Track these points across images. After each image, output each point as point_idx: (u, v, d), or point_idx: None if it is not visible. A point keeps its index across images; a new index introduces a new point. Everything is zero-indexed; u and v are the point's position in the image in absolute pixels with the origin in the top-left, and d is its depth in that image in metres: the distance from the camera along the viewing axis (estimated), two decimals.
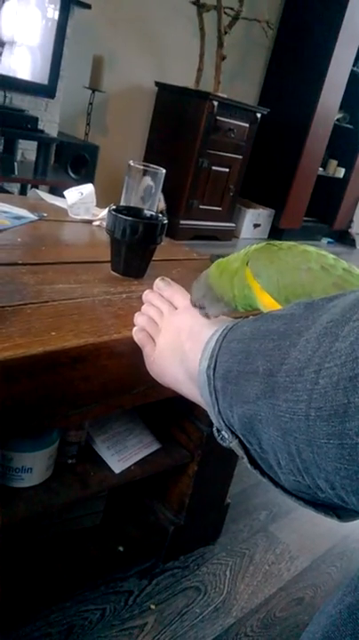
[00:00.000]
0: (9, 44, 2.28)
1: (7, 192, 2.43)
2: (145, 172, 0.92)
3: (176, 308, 0.65)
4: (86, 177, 2.64)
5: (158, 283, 0.68)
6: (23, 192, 2.54)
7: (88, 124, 2.96)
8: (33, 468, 0.77)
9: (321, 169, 4.25)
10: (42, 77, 2.41)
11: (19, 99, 2.54)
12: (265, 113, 3.48)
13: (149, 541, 1.01)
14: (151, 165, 0.93)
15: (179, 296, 0.65)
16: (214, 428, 0.49)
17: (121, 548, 0.96)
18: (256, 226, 4.06)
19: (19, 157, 2.57)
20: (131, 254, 0.85)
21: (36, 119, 2.44)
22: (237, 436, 0.45)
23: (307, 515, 1.15)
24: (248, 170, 3.63)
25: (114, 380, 0.69)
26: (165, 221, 0.86)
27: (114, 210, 0.84)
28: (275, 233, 4.15)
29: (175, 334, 0.60)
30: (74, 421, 0.79)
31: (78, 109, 2.96)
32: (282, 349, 0.38)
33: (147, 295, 0.69)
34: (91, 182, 1.23)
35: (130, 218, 0.82)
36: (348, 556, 1.19)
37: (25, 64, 2.37)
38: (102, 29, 2.94)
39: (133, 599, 0.94)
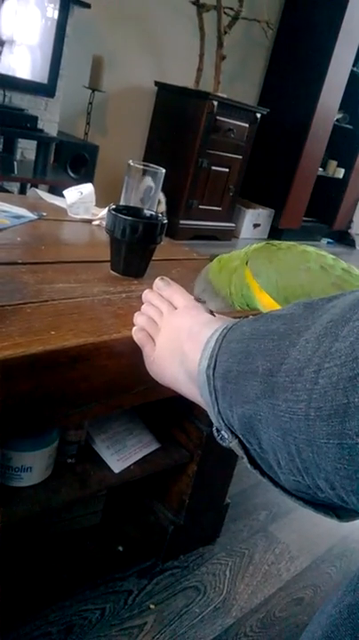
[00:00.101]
0: (8, 43, 2.28)
1: (7, 191, 2.42)
2: (144, 172, 0.92)
3: (176, 308, 0.65)
4: (86, 176, 2.64)
5: (158, 282, 0.68)
6: (22, 191, 2.54)
7: (88, 124, 2.96)
8: (32, 467, 0.77)
9: (320, 169, 4.25)
10: (41, 77, 2.41)
11: (18, 98, 2.54)
12: (265, 113, 3.48)
13: (149, 541, 1.01)
14: (151, 165, 0.92)
15: (179, 296, 0.65)
16: (214, 428, 0.49)
17: (120, 548, 0.96)
18: (256, 226, 4.06)
19: (18, 157, 2.57)
20: (131, 254, 0.85)
21: (36, 118, 2.43)
22: (237, 436, 0.45)
23: (307, 515, 1.15)
24: (248, 170, 3.63)
25: (113, 380, 0.68)
26: (165, 221, 0.86)
27: (113, 209, 0.84)
28: (275, 233, 4.15)
29: (175, 334, 0.60)
30: (73, 421, 0.79)
31: (78, 109, 2.96)
32: (281, 349, 0.38)
33: (147, 295, 0.69)
34: (91, 182, 1.23)
35: (129, 217, 0.82)
36: (348, 556, 1.19)
37: (24, 63, 2.37)
38: (102, 29, 2.94)
39: (133, 599, 0.94)
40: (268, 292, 0.53)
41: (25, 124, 2.39)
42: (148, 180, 0.92)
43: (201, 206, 3.44)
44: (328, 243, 4.80)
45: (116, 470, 0.86)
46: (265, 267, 0.53)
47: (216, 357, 0.47)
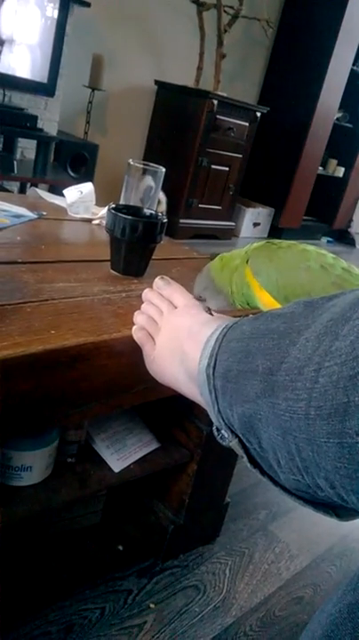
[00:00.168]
0: (8, 43, 2.28)
1: (6, 190, 2.42)
2: (144, 171, 0.92)
3: (176, 307, 0.65)
4: (86, 176, 2.64)
5: (158, 281, 0.68)
6: (22, 191, 2.54)
7: (87, 123, 2.96)
8: (32, 466, 0.77)
9: (320, 168, 4.25)
10: (41, 76, 2.41)
11: (18, 97, 2.54)
12: (264, 112, 3.48)
13: (149, 540, 1.01)
14: (151, 164, 0.92)
15: (179, 295, 0.65)
16: (214, 428, 0.49)
17: (120, 547, 0.96)
18: (256, 225, 4.06)
19: (18, 156, 2.57)
20: (131, 253, 0.85)
21: (36, 118, 2.43)
22: (237, 435, 0.45)
23: (307, 514, 1.15)
24: (248, 169, 3.63)
25: (113, 379, 0.68)
26: (165, 220, 0.86)
27: (113, 208, 0.84)
28: (275, 232, 4.15)
29: (174, 333, 0.60)
30: (73, 420, 0.79)
31: (78, 108, 2.96)
32: (281, 348, 0.38)
33: (147, 294, 0.69)
34: (91, 181, 1.23)
35: (129, 217, 0.82)
36: (348, 556, 1.19)
37: (24, 62, 2.37)
38: (102, 28, 2.94)
39: (133, 598, 0.95)
40: (268, 291, 0.53)
41: (25, 124, 2.39)
42: (149, 180, 0.92)
43: (201, 205, 3.43)
44: (328, 242, 4.80)
45: (116, 470, 0.86)
46: (265, 265, 0.53)
47: (216, 356, 0.47)
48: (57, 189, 2.03)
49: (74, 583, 0.93)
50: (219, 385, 0.46)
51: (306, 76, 3.78)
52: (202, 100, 3.13)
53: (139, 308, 0.68)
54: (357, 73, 4.02)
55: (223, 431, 0.47)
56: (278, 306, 0.52)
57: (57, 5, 2.30)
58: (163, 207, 1.02)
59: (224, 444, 0.47)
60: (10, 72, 2.32)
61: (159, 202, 0.99)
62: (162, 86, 3.32)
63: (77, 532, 0.96)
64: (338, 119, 4.16)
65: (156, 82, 3.31)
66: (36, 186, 2.24)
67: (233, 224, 3.80)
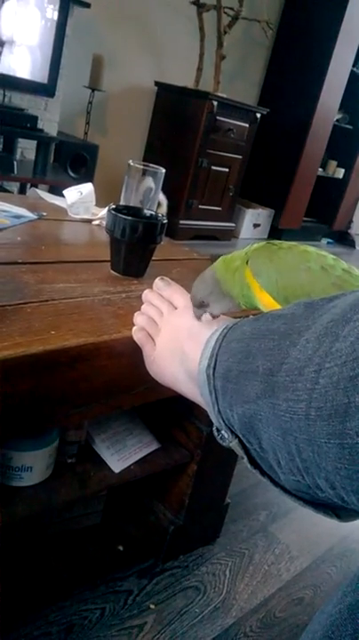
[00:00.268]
0: (8, 44, 2.28)
1: (6, 191, 2.42)
2: (144, 172, 0.92)
3: (176, 308, 0.65)
4: (86, 176, 2.64)
5: (158, 282, 0.68)
6: (22, 191, 2.54)
7: (87, 124, 2.96)
8: (33, 467, 0.77)
9: (320, 169, 4.25)
10: (41, 76, 2.41)
11: (18, 98, 2.54)
12: (264, 113, 3.48)
13: (149, 541, 1.01)
14: (151, 165, 0.92)
15: (179, 296, 0.65)
16: (214, 428, 0.49)
17: (120, 548, 0.96)
18: (256, 226, 4.06)
19: (18, 156, 2.57)
20: (131, 254, 0.85)
21: (36, 118, 2.43)
22: (237, 436, 0.45)
23: (307, 515, 1.15)
24: (248, 170, 3.63)
25: (113, 380, 0.68)
26: (165, 221, 0.86)
27: (113, 209, 0.84)
28: (275, 233, 4.15)
29: (175, 334, 0.60)
30: (73, 421, 0.79)
31: (78, 109, 2.96)
32: (282, 349, 0.38)
33: (147, 295, 0.69)
34: (91, 181, 1.23)
35: (129, 217, 0.82)
36: (348, 556, 1.19)
37: (24, 63, 2.37)
38: (102, 29, 2.94)
39: (133, 599, 0.94)
40: (269, 292, 0.53)
41: (25, 124, 2.39)
42: (149, 181, 0.92)
43: (201, 206, 3.43)
44: (328, 243, 4.80)
45: (116, 470, 0.86)
46: (265, 266, 0.53)
47: (216, 357, 0.47)
48: (57, 190, 2.02)
49: (74, 583, 0.93)
50: (219, 385, 0.46)
51: (306, 78, 3.78)
52: (202, 101, 3.13)
53: (140, 309, 0.68)
54: (357, 74, 4.02)
55: (223, 432, 0.47)
56: (278, 307, 0.52)
57: (57, 6, 2.30)
58: (164, 209, 1.02)
59: (224, 444, 0.47)
60: (10, 72, 2.33)
61: (160, 204, 0.99)
62: (162, 87, 3.33)
63: (77, 533, 0.96)
64: (338, 120, 4.16)
65: (156, 83, 3.31)
66: (36, 186, 2.24)
67: (233, 225, 3.80)
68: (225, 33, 3.21)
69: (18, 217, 1.04)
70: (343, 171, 4.50)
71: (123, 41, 3.07)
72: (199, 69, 3.25)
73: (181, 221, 3.36)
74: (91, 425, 0.90)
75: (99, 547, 0.96)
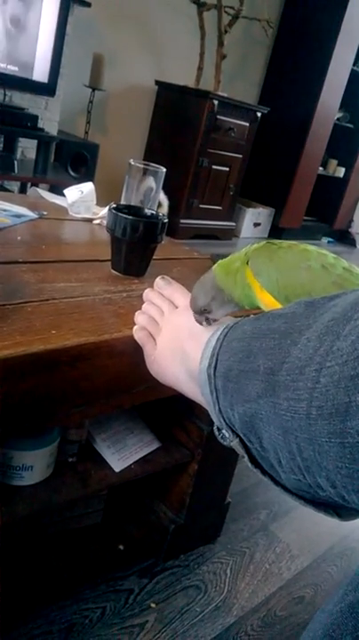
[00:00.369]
0: (9, 43, 2.28)
1: (7, 190, 2.42)
2: (145, 171, 0.92)
3: (176, 307, 0.65)
4: (86, 175, 2.64)
5: (158, 281, 0.68)
6: (23, 190, 2.54)
7: (88, 123, 2.96)
8: (33, 466, 0.77)
9: (321, 168, 4.25)
10: (42, 76, 2.41)
11: (19, 97, 2.54)
12: (265, 112, 3.48)
13: (150, 540, 1.01)
14: (151, 164, 0.92)
15: (180, 295, 0.65)
16: (215, 427, 0.49)
17: (121, 547, 0.96)
18: (256, 225, 4.06)
19: (18, 156, 2.57)
20: (132, 253, 0.85)
21: (36, 117, 2.43)
22: (238, 435, 0.45)
23: (308, 514, 1.15)
24: (248, 169, 3.63)
25: (114, 379, 0.69)
26: (166, 220, 0.86)
27: (114, 208, 0.84)
28: (276, 232, 4.15)
29: (176, 333, 0.60)
30: (74, 420, 0.79)
31: (78, 108, 2.96)
32: (283, 348, 0.38)
33: (148, 294, 0.69)
34: (91, 181, 1.23)
35: (130, 216, 0.82)
36: (349, 555, 1.19)
37: (25, 62, 2.37)
38: (102, 28, 2.94)
39: (134, 598, 0.95)
40: (269, 291, 0.53)
41: (25, 123, 2.39)
42: (150, 181, 0.92)
43: (201, 205, 3.43)
44: (328, 242, 4.79)
45: (117, 469, 0.86)
46: (265, 266, 0.53)
47: (217, 356, 0.47)
48: (57, 189, 2.03)
49: (75, 583, 0.93)
50: (219, 385, 0.46)
51: (306, 76, 3.77)
52: (202, 100, 3.13)
53: (140, 308, 0.68)
54: (358, 73, 4.02)
55: (224, 431, 0.47)
56: (279, 306, 0.52)
57: (57, 5, 2.30)
58: (165, 209, 1.02)
59: (225, 443, 0.47)
60: (10, 72, 2.32)
61: (160, 204, 0.99)
62: (162, 86, 3.32)
63: (78, 532, 0.96)
64: (338, 119, 4.16)
65: (157, 82, 3.31)
66: (37, 185, 2.24)
67: (233, 224, 3.80)
68: (225, 32, 3.20)
69: (18, 216, 1.04)
70: (343, 170, 4.50)
71: (124, 40, 3.07)
72: (199, 68, 3.24)
73: (182, 220, 3.36)
74: (91, 424, 0.90)
75: (99, 546, 0.96)
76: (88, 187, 1.17)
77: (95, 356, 0.64)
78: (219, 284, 0.57)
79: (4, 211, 1.05)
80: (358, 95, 4.14)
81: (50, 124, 2.70)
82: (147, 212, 0.88)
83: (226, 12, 3.15)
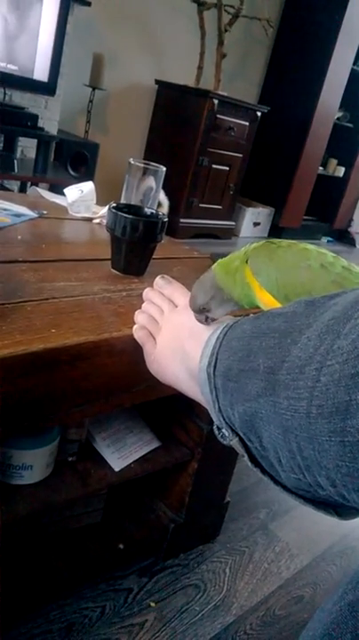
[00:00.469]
0: (9, 42, 2.27)
1: (7, 189, 2.42)
2: (145, 170, 0.92)
3: (176, 306, 0.65)
4: (86, 175, 2.64)
5: (158, 281, 0.68)
6: (23, 190, 2.54)
7: (88, 122, 2.95)
8: (33, 465, 0.77)
9: (321, 168, 4.24)
10: (42, 75, 2.40)
11: (19, 96, 2.54)
12: (265, 111, 3.48)
13: (149, 539, 1.01)
14: (151, 163, 0.92)
15: (180, 294, 0.65)
16: (214, 426, 0.49)
17: (121, 546, 0.96)
18: (256, 224, 4.06)
19: (18, 155, 2.57)
20: (132, 252, 0.85)
21: (36, 117, 2.43)
22: (238, 434, 0.45)
23: (307, 513, 1.15)
24: (248, 168, 3.63)
25: (114, 378, 0.69)
26: (166, 219, 0.86)
27: (114, 207, 0.84)
28: (275, 231, 4.15)
29: (176, 332, 0.60)
30: (74, 419, 0.79)
31: (78, 107, 2.96)
32: (283, 347, 0.38)
33: (148, 293, 0.69)
34: (91, 180, 1.23)
35: (130, 216, 0.82)
36: (348, 554, 1.19)
37: (25, 62, 2.36)
38: (102, 27, 2.93)
39: (133, 597, 0.95)
40: (269, 291, 0.53)
41: (25, 123, 2.39)
42: (150, 181, 0.92)
43: (201, 205, 3.43)
44: (328, 241, 4.80)
45: (117, 468, 0.86)
46: (265, 265, 0.53)
47: (217, 355, 0.47)
48: (57, 188, 2.02)
49: (74, 582, 0.93)
50: (219, 384, 0.46)
51: (306, 76, 3.77)
52: (202, 99, 3.13)
53: (140, 307, 0.68)
54: (358, 72, 4.01)
55: (224, 430, 0.47)
56: (279, 305, 0.52)
57: (57, 4, 2.30)
58: (166, 209, 1.02)
59: (225, 442, 0.47)
60: (10, 71, 2.32)
61: (161, 204, 0.99)
62: (162, 85, 3.32)
63: (78, 531, 0.96)
64: (338, 119, 4.15)
65: (157, 81, 3.31)
66: (37, 185, 2.24)
67: (233, 223, 3.80)
68: (225, 31, 3.20)
69: (18, 215, 1.04)
70: (343, 169, 4.49)
71: (124, 39, 3.06)
72: (199, 68, 3.24)
73: (182, 220, 3.36)
74: (91, 423, 0.90)
75: (99, 545, 0.96)
76: (88, 186, 1.17)
77: (95, 355, 0.64)
78: (219, 284, 0.57)
79: (4, 210, 1.05)
80: (358, 95, 4.14)
81: (50, 123, 2.69)
82: (147, 211, 0.88)
83: (226, 11, 3.15)
